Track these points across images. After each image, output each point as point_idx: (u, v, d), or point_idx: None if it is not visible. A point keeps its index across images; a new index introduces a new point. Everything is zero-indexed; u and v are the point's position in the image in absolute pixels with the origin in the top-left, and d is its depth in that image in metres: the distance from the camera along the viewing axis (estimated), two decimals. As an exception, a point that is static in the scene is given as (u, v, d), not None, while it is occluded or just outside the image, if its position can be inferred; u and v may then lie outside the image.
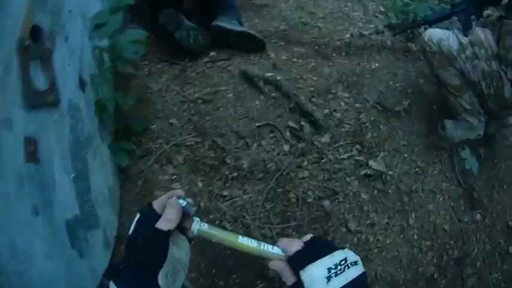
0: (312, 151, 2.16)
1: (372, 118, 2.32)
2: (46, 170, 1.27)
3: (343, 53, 2.60)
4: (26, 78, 1.19)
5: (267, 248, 0.77)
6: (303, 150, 2.15)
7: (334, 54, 2.57)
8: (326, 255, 0.70)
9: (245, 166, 2.07)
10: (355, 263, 0.71)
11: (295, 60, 2.46)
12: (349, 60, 2.56)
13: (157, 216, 0.75)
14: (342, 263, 0.70)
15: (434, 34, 2.15)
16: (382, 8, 3.01)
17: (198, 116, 2.16)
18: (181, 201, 0.78)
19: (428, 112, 2.47)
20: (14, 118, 1.13)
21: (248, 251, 0.78)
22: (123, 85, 2.14)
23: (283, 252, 0.76)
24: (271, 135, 2.17)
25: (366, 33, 2.75)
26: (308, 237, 0.77)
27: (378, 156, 2.20)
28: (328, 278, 0.67)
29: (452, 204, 2.27)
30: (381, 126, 2.32)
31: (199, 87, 2.26)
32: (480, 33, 2.08)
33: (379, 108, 2.37)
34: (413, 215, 2.15)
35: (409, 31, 2.81)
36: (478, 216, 2.31)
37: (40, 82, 1.28)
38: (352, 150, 2.19)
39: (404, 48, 2.77)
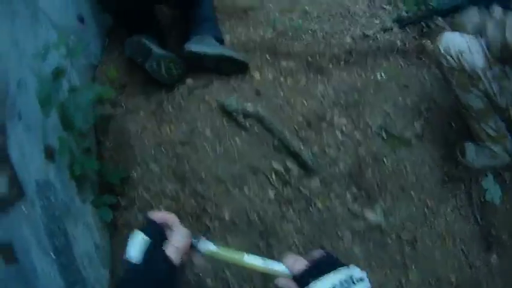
0: (299, 198, 1.87)
1: (374, 149, 1.97)
2: (26, 263, 1.25)
3: (342, 63, 2.20)
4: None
5: (273, 266, 0.78)
6: (289, 197, 1.87)
7: (331, 65, 2.17)
8: (330, 272, 0.69)
9: (226, 215, 1.85)
10: (361, 279, 0.69)
11: (282, 79, 2.09)
12: (349, 71, 2.17)
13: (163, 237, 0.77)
14: (347, 280, 0.68)
15: (453, 43, 1.71)
16: (390, -4, 2.54)
17: (176, 160, 1.94)
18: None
19: (445, 133, 2.07)
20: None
21: (254, 268, 0.80)
22: (102, 128, 2.03)
23: (288, 269, 0.75)
24: (254, 178, 1.90)
25: (371, 32, 2.32)
26: (315, 252, 0.76)
27: (377, 201, 1.87)
28: None
29: (463, 247, 1.90)
30: (385, 160, 1.96)
31: (176, 125, 2.01)
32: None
33: (384, 135, 2.01)
34: (413, 268, 1.82)
35: (423, 24, 2.36)
36: (494, 258, 1.94)
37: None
38: (346, 196, 1.86)
39: (418, 48, 2.33)
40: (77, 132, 1.63)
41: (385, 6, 2.48)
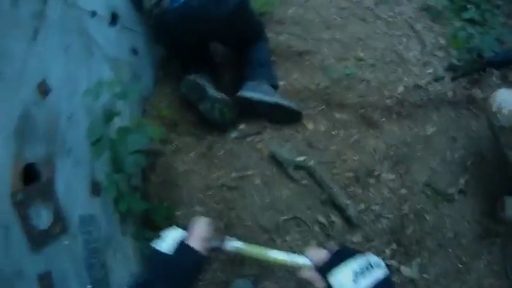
0: (340, 252, 1.96)
1: (418, 207, 2.02)
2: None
3: (394, 116, 2.24)
4: (27, 226, 1.17)
5: (296, 259, 0.83)
6: (330, 250, 1.96)
7: (383, 119, 2.23)
8: (351, 260, 0.75)
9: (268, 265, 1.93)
10: (378, 265, 0.76)
11: (334, 132, 2.17)
12: (401, 125, 2.22)
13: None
14: (367, 266, 0.74)
15: (506, 102, 1.69)
16: (442, 41, 2.54)
17: (222, 205, 2.04)
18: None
19: (488, 188, 2.10)
20: (23, 268, 1.12)
21: (279, 263, 0.86)
22: (150, 164, 2.08)
23: (311, 261, 0.81)
24: (298, 229, 1.99)
25: (423, 82, 2.35)
26: (333, 246, 0.82)
27: (414, 257, 1.95)
28: (355, 280, 0.72)
29: None
30: (427, 216, 2.01)
31: (225, 170, 2.11)
32: None
33: (429, 192, 2.06)
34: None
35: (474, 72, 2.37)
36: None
37: (43, 219, 1.25)
38: (385, 251, 1.95)
39: (468, 99, 2.34)
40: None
41: (436, 53, 2.49)
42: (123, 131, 1.66)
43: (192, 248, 0.81)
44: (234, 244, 0.88)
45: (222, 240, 0.88)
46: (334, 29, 2.55)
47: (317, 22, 2.60)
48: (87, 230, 1.48)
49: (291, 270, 1.83)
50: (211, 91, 2.11)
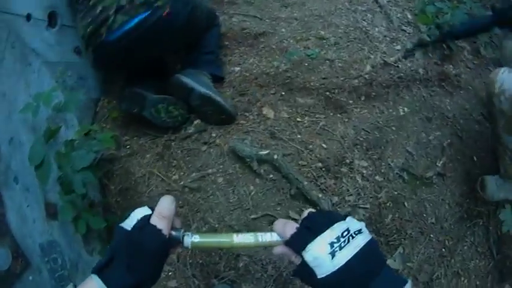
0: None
1: (396, 193, 1.88)
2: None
3: (362, 97, 2.05)
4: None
5: (265, 238, 0.75)
6: (307, 246, 1.77)
7: (351, 101, 2.03)
8: (325, 230, 0.66)
9: (241, 265, 1.76)
10: (359, 231, 0.66)
11: (299, 119, 1.96)
12: (370, 107, 2.03)
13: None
14: (345, 234, 0.65)
15: (509, 84, 1.60)
16: (409, 16, 2.37)
17: (186, 208, 1.84)
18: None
19: (467, 169, 2.01)
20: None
21: (247, 247, 0.81)
22: (106, 171, 1.92)
23: (280, 236, 0.73)
24: (270, 227, 1.78)
25: (392, 60, 2.17)
26: (305, 213, 0.73)
27: (396, 247, 1.79)
28: (333, 254, 0.63)
29: (478, 283, 1.87)
30: (406, 203, 1.88)
31: (185, 171, 1.90)
32: None
33: (406, 177, 1.92)
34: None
35: (444, 46, 2.23)
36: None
37: (2, 259, 1.20)
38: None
39: (440, 75, 2.19)
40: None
41: (405, 28, 2.31)
42: (69, 146, 1.53)
43: (153, 225, 0.73)
44: (195, 240, 0.77)
45: (182, 232, 0.77)
46: (292, 7, 2.33)
47: (272, 0, 2.36)
48: (51, 258, 1.41)
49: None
50: (150, 95, 1.90)
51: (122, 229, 0.74)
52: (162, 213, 0.75)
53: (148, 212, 0.77)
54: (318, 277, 0.64)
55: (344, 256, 0.63)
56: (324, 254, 0.64)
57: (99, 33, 1.75)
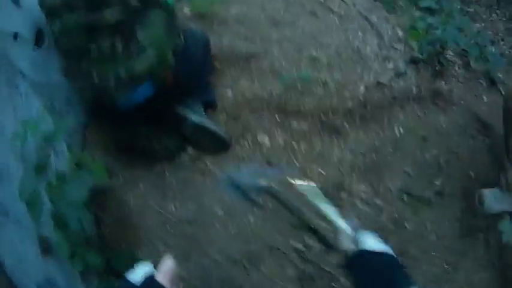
0: (322, 276, 1.77)
1: (396, 215, 1.87)
2: None
3: (357, 120, 2.04)
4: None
5: (340, 222, 0.96)
6: (311, 275, 1.77)
7: (346, 124, 2.02)
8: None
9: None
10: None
11: (294, 144, 1.93)
12: (366, 129, 2.02)
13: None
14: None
15: None
16: (400, 32, 2.36)
17: (185, 241, 1.80)
18: None
19: (464, 184, 2.00)
20: None
21: (327, 219, 1.00)
22: (99, 202, 1.83)
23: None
24: (272, 257, 1.80)
25: (385, 79, 2.15)
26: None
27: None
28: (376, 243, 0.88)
29: None
30: (406, 224, 1.88)
31: (181, 202, 1.86)
32: None
33: (405, 198, 1.92)
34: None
35: (436, 63, 2.23)
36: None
37: None
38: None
39: (433, 93, 2.19)
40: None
41: (396, 46, 2.30)
42: (60, 179, 1.48)
43: (160, 283, 0.77)
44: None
45: None
46: (283, 27, 2.28)
47: (263, 20, 2.32)
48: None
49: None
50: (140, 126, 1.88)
51: (129, 283, 0.76)
52: (168, 274, 0.79)
53: (151, 269, 0.80)
54: None
55: (384, 246, 0.89)
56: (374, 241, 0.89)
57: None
